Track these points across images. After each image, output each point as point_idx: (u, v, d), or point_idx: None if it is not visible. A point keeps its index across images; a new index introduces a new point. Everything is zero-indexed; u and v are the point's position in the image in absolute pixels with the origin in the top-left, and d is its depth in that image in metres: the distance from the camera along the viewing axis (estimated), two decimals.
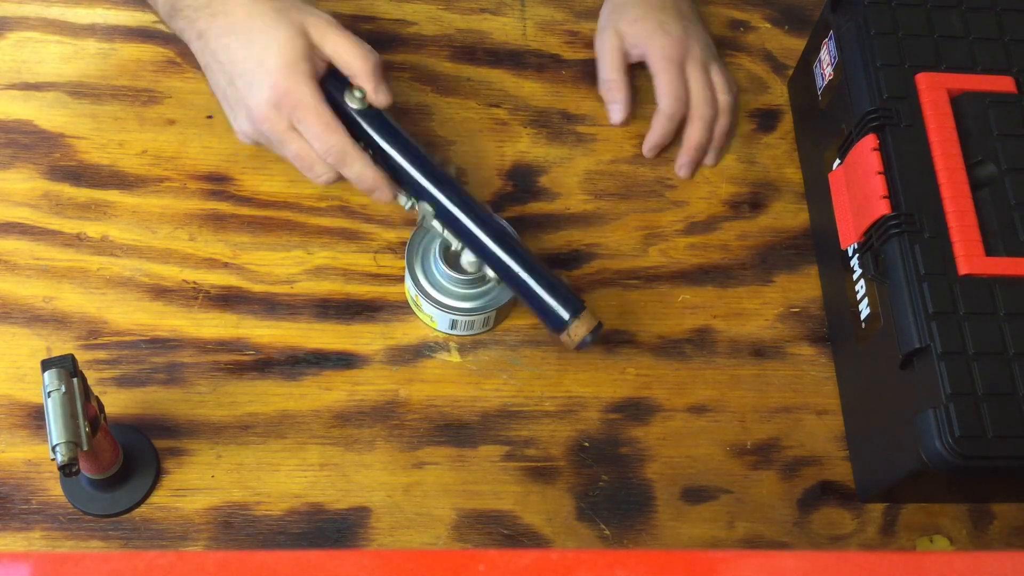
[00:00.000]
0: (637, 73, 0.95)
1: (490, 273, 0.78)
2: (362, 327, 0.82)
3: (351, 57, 0.76)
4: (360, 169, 0.77)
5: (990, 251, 0.75)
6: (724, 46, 0.97)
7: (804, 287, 0.88)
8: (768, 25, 0.99)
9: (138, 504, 0.75)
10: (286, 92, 0.75)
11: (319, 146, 0.76)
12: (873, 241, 0.77)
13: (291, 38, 0.75)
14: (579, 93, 0.93)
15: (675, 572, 0.47)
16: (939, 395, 0.70)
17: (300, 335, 0.81)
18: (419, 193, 0.78)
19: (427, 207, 0.78)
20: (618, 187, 0.90)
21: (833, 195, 0.83)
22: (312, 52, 0.76)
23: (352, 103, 0.77)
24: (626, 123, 0.91)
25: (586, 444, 0.80)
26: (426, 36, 0.94)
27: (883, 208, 0.76)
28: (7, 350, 0.78)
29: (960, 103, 0.79)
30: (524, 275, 0.77)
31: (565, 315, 0.77)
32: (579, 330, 0.77)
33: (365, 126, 0.78)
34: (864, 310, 0.79)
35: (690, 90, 0.90)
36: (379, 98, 0.77)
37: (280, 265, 0.84)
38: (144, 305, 0.81)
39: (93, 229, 0.83)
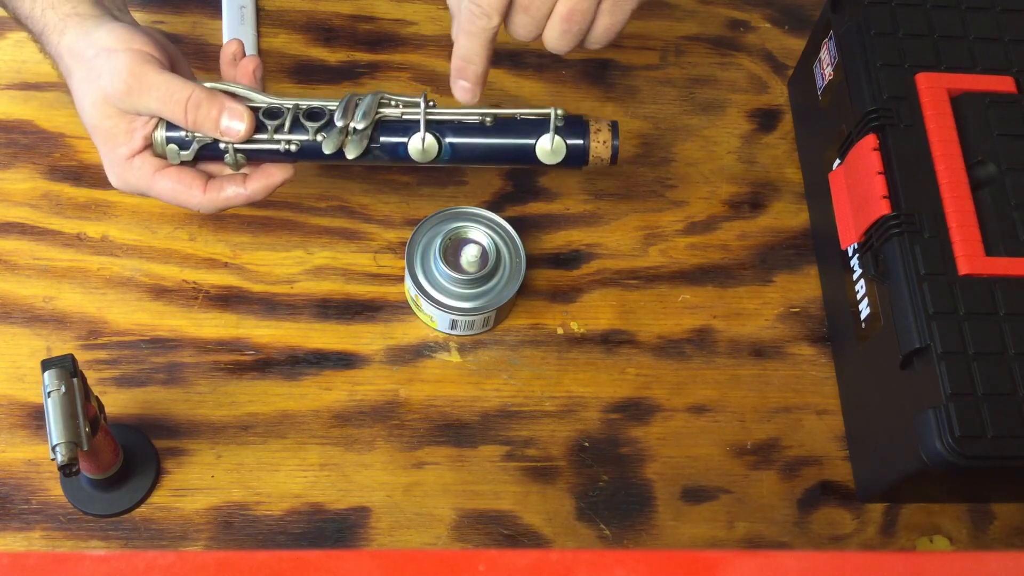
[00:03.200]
0: (634, 74, 0.95)
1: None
2: (362, 327, 0.82)
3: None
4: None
5: (990, 251, 0.75)
6: (724, 46, 0.97)
7: (804, 287, 0.88)
8: (768, 25, 0.99)
9: (138, 504, 0.75)
10: (127, 189, 0.75)
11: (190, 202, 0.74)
12: (873, 241, 0.77)
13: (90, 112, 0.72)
14: (579, 93, 0.93)
15: (675, 572, 0.47)
16: (939, 395, 0.70)
17: (300, 335, 0.81)
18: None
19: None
20: (618, 187, 0.90)
21: (833, 195, 0.83)
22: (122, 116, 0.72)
23: (234, 165, 0.74)
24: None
25: (586, 444, 0.80)
26: (426, 36, 0.94)
27: (883, 208, 0.76)
28: (7, 350, 0.78)
29: (960, 103, 0.79)
30: (504, 139, 0.74)
31: (580, 140, 0.74)
32: (601, 147, 0.74)
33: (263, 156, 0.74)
34: (864, 310, 0.79)
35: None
36: (231, 131, 0.72)
37: (280, 265, 0.84)
38: (144, 305, 0.81)
39: (93, 229, 0.83)
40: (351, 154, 0.73)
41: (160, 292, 0.82)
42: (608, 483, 0.79)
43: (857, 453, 0.81)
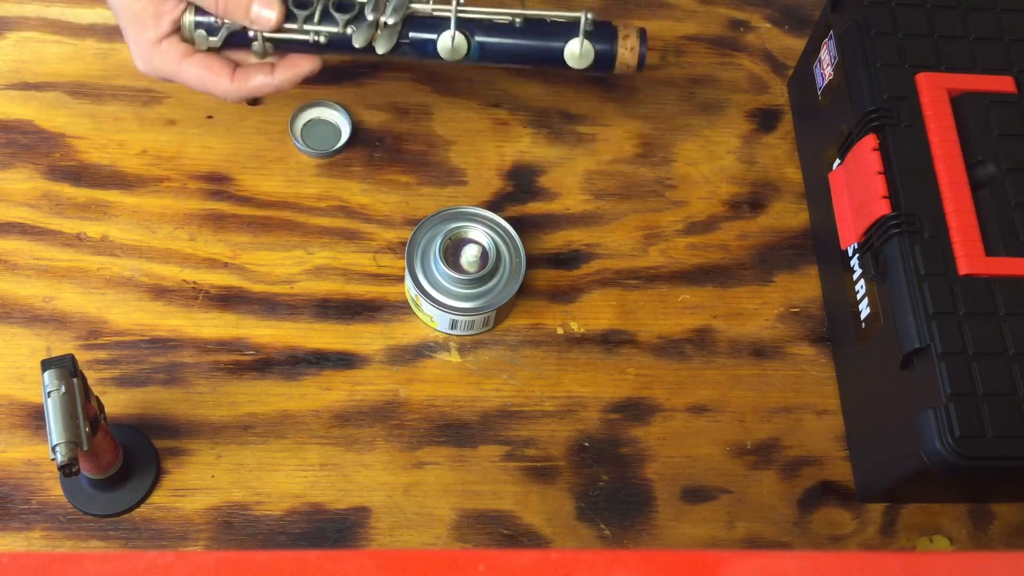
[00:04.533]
0: (636, 73, 0.95)
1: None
2: (362, 327, 0.82)
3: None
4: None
5: (990, 251, 0.75)
6: (724, 46, 0.97)
7: (804, 287, 0.88)
8: (768, 25, 0.99)
9: (138, 504, 0.75)
10: (153, 74, 0.74)
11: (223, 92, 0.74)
12: (873, 241, 0.77)
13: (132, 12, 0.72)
14: (579, 93, 0.93)
15: (675, 572, 0.47)
16: (939, 395, 0.70)
17: (300, 335, 0.81)
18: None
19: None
20: (618, 187, 0.90)
21: (833, 195, 0.83)
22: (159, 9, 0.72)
23: (262, 54, 0.74)
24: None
25: (586, 444, 0.80)
26: None
27: (883, 208, 0.76)
28: (7, 350, 0.78)
29: (960, 103, 0.79)
30: (533, 40, 0.76)
31: (608, 46, 0.76)
32: (628, 53, 0.76)
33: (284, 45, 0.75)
34: (864, 310, 0.79)
35: None
36: (262, 19, 0.73)
37: (280, 265, 0.84)
38: (144, 305, 0.81)
39: (93, 229, 0.83)
40: (381, 49, 0.73)
41: (160, 292, 0.82)
42: (608, 483, 0.79)
43: (857, 453, 0.81)
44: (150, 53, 0.73)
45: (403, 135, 0.90)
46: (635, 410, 0.82)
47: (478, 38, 0.75)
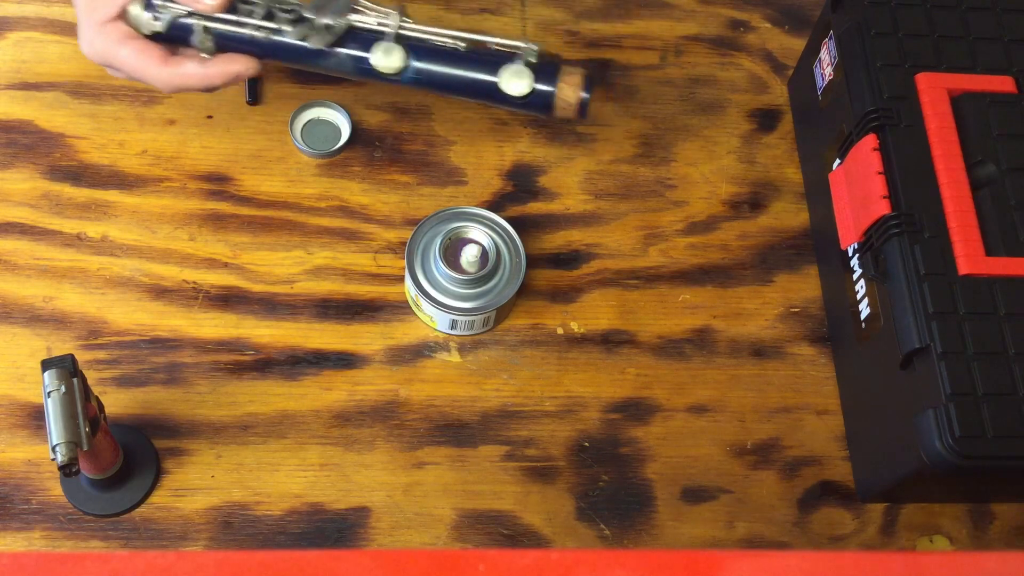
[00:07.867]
0: (634, 74, 0.95)
1: None
2: (362, 327, 0.82)
3: None
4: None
5: (990, 251, 0.75)
6: (724, 46, 0.97)
7: (804, 287, 0.88)
8: (768, 25, 0.99)
9: (138, 504, 0.75)
10: (93, 55, 0.75)
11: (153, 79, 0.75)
12: (873, 241, 0.77)
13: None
14: None
15: (675, 572, 0.47)
16: (939, 395, 0.70)
17: (300, 335, 0.81)
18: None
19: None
20: (618, 187, 0.90)
21: (833, 195, 0.83)
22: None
23: (203, 47, 0.75)
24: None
25: (586, 444, 0.80)
26: None
27: (883, 208, 0.76)
28: (7, 350, 0.78)
29: (960, 103, 0.79)
30: (464, 71, 0.76)
31: (548, 87, 0.75)
32: (569, 92, 0.74)
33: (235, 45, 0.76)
34: (864, 310, 0.79)
35: None
36: (204, 2, 0.74)
37: (280, 265, 0.84)
38: (144, 305, 0.81)
39: (93, 229, 0.83)
40: (315, 44, 0.74)
41: (160, 292, 0.82)
42: (608, 483, 0.79)
43: (857, 453, 0.81)
44: (94, 33, 0.74)
45: (403, 135, 0.90)
46: (635, 410, 0.82)
47: (416, 59, 0.75)
